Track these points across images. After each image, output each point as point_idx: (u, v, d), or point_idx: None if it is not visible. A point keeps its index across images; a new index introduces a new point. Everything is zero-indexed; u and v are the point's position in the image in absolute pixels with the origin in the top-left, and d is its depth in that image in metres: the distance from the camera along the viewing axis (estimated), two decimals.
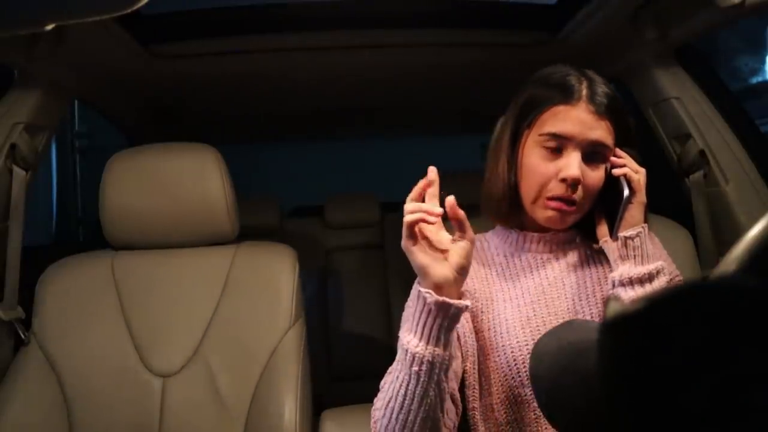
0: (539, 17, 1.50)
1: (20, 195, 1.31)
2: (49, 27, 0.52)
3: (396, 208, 2.58)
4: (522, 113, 0.93)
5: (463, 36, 1.53)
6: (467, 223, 0.74)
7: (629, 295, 0.85)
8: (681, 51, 1.40)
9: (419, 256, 0.73)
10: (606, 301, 0.87)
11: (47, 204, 2.90)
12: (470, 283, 0.96)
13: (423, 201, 0.76)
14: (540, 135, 0.89)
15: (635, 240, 0.87)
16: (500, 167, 0.94)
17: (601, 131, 0.87)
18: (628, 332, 0.29)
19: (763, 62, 3.03)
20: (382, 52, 1.58)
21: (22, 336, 1.25)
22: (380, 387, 0.84)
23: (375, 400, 0.84)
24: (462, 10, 1.51)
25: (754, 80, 3.06)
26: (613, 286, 0.88)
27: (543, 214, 0.91)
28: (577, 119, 0.87)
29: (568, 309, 0.91)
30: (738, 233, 0.87)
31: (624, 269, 0.87)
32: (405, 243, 0.74)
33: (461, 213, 0.73)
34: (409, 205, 0.74)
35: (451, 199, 0.72)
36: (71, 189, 3.06)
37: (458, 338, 0.91)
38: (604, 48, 1.47)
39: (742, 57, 3.05)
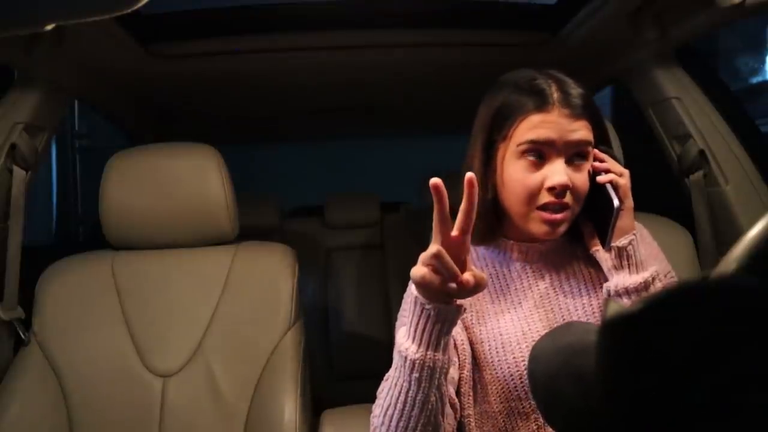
0: (539, 17, 1.50)
1: (20, 195, 1.31)
2: (49, 27, 0.52)
3: (396, 208, 2.59)
4: (494, 126, 0.88)
5: (462, 36, 1.53)
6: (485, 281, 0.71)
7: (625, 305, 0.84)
8: (681, 51, 1.40)
9: (431, 277, 0.69)
10: (605, 302, 0.88)
11: (47, 204, 2.90)
12: None
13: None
14: (519, 145, 0.85)
15: (629, 248, 0.85)
16: None
17: (581, 131, 0.84)
18: (627, 332, 0.29)
19: (763, 62, 3.03)
20: (382, 52, 1.58)
21: (22, 336, 1.25)
22: (377, 394, 0.83)
23: (373, 407, 0.83)
24: (462, 11, 1.51)
25: (754, 80, 3.05)
26: (609, 296, 0.86)
27: (536, 227, 0.87)
28: (555, 124, 0.83)
29: (564, 321, 0.89)
30: (738, 233, 0.87)
31: (619, 279, 0.85)
32: (419, 274, 0.69)
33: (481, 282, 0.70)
34: (433, 254, 0.66)
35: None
36: (71, 189, 3.06)
37: (455, 345, 0.89)
38: (604, 48, 1.47)
39: (742, 57, 3.05)
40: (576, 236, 0.93)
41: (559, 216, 0.84)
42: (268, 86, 1.85)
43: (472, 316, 0.92)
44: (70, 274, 1.30)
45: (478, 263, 0.98)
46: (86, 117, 3.09)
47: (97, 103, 1.76)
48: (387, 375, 0.81)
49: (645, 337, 0.28)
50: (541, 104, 0.84)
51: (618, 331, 0.29)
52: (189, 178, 1.29)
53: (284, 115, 2.32)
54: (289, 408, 1.18)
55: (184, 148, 1.34)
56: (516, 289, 0.93)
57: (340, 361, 2.28)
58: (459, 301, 0.73)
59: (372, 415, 0.83)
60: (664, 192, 1.51)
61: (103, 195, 1.28)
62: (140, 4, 0.47)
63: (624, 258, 0.85)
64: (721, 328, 0.26)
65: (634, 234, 0.86)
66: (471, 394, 0.89)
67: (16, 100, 1.29)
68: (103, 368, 1.22)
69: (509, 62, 1.56)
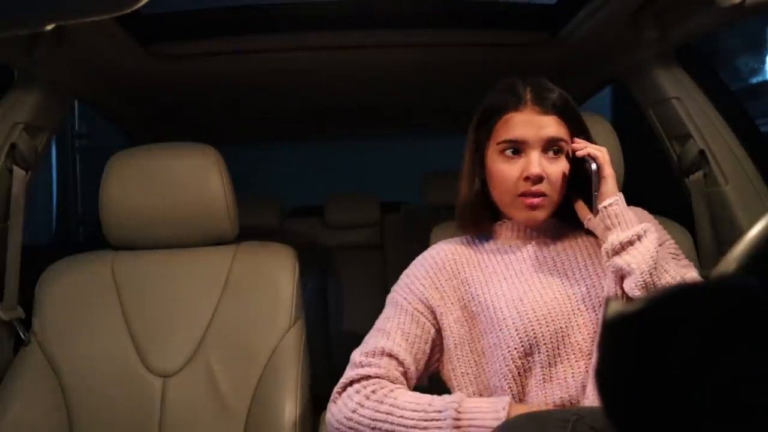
0: (539, 17, 1.50)
1: (20, 195, 1.31)
2: (49, 27, 0.52)
3: (396, 208, 2.59)
4: (479, 128, 1.02)
5: (463, 36, 1.53)
6: None
7: (624, 260, 0.88)
8: (681, 51, 1.40)
9: None
10: (606, 301, 0.89)
11: (47, 204, 2.89)
12: (465, 270, 1.01)
13: None
14: (498, 144, 0.97)
15: (613, 207, 0.91)
16: (463, 179, 1.04)
17: (552, 127, 0.95)
18: (627, 332, 0.29)
19: (763, 62, 3.03)
20: (382, 52, 1.58)
21: (22, 336, 1.25)
22: (380, 399, 0.89)
23: (364, 399, 0.90)
24: (462, 11, 1.51)
25: (754, 80, 3.05)
26: (608, 257, 0.91)
27: (520, 214, 0.98)
28: (527, 122, 0.95)
29: (562, 284, 0.96)
30: (738, 233, 0.87)
31: (612, 238, 0.90)
32: None
33: None
34: None
35: None
36: (71, 189, 3.06)
37: (431, 340, 0.99)
38: (604, 48, 1.47)
39: (742, 57, 3.04)
40: (573, 219, 1.00)
41: (536, 200, 0.95)
42: (268, 86, 1.85)
43: (474, 288, 0.99)
44: (70, 274, 1.29)
45: (479, 245, 1.06)
46: (86, 117, 3.09)
47: (97, 103, 1.76)
48: (401, 402, 0.89)
49: (645, 336, 0.28)
50: (515, 104, 0.96)
51: (618, 330, 0.29)
52: (189, 178, 1.29)
53: (284, 115, 2.33)
54: (289, 408, 1.18)
55: (184, 148, 1.34)
56: (517, 258, 1.01)
57: (340, 361, 2.27)
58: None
59: (348, 411, 0.90)
60: (664, 192, 1.51)
61: (103, 195, 1.28)
62: (140, 4, 0.47)
63: (612, 217, 0.91)
64: (722, 328, 0.26)
65: (619, 196, 0.93)
66: (469, 372, 0.97)
67: (16, 100, 1.29)
68: (104, 368, 1.22)
69: (509, 62, 1.57)
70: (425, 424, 0.85)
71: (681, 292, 0.29)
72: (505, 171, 0.96)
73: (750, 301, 0.27)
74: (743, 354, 0.26)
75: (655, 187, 1.53)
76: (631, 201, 0.98)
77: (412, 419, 0.86)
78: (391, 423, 0.86)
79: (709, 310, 0.27)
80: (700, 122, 1.38)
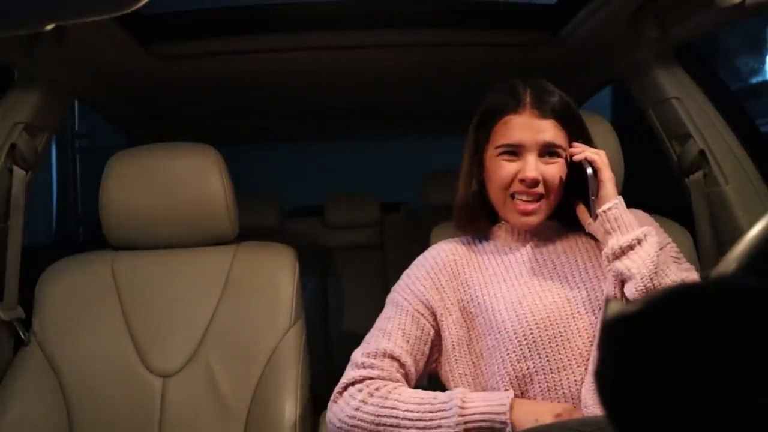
0: (539, 17, 1.50)
1: (20, 195, 1.31)
2: (49, 27, 0.52)
3: (396, 208, 2.59)
4: (478, 128, 1.02)
5: (463, 36, 1.53)
6: None
7: (625, 264, 0.88)
8: (681, 51, 1.40)
9: None
10: (606, 302, 0.89)
11: (47, 204, 2.89)
12: (465, 271, 1.01)
13: None
14: (496, 147, 0.97)
15: (613, 211, 0.91)
16: (462, 179, 1.04)
17: (549, 131, 0.95)
18: (627, 332, 0.29)
19: (763, 62, 3.03)
20: (383, 52, 1.58)
21: (22, 336, 1.25)
22: (384, 395, 0.89)
23: (368, 397, 0.89)
24: (462, 11, 1.51)
25: (754, 80, 3.05)
26: (608, 261, 0.91)
27: (513, 218, 0.98)
28: (525, 125, 0.94)
29: (561, 287, 0.95)
30: (738, 233, 0.87)
31: (612, 242, 0.90)
32: None
33: None
34: None
35: None
36: (71, 189, 3.06)
37: (432, 344, 0.99)
38: (604, 48, 1.47)
39: (742, 57, 3.04)
40: (574, 222, 1.00)
41: (530, 206, 0.95)
42: (268, 86, 1.85)
43: (473, 289, 0.98)
44: (70, 274, 1.29)
45: (480, 246, 1.06)
46: (86, 117, 3.09)
47: (97, 103, 1.76)
48: (405, 398, 0.89)
49: (645, 337, 0.28)
50: (514, 107, 0.96)
51: (618, 331, 0.29)
52: (189, 178, 1.29)
53: (284, 115, 2.32)
54: (289, 408, 1.18)
55: (184, 148, 1.34)
56: (517, 260, 1.00)
57: (340, 361, 2.27)
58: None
59: (350, 409, 0.90)
60: (664, 192, 1.51)
61: (103, 195, 1.28)
62: (140, 4, 0.47)
63: (612, 221, 0.91)
64: (722, 328, 0.26)
65: (618, 199, 0.93)
66: (467, 373, 0.96)
67: (16, 100, 1.29)
68: (104, 368, 1.22)
69: (509, 62, 1.57)
70: (430, 415, 0.86)
71: (681, 292, 0.29)
72: (502, 170, 0.96)
73: (750, 301, 0.27)
74: (743, 354, 0.26)
75: (655, 187, 1.53)
76: (630, 201, 0.98)
77: (418, 411, 0.87)
78: (396, 417, 0.87)
79: (709, 310, 0.27)
80: (700, 122, 1.38)
